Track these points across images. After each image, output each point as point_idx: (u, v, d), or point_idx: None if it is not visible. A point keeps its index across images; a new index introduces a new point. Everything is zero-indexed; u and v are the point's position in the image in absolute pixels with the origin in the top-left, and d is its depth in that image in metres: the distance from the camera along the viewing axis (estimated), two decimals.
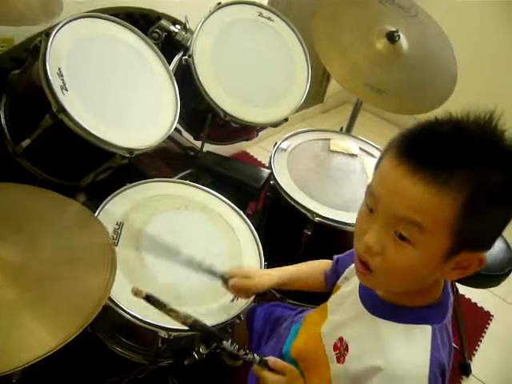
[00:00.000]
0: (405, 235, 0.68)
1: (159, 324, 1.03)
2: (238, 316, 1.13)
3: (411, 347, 0.74)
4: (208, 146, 1.80)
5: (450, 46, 1.74)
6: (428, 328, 0.75)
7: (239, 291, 1.10)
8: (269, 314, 1.27)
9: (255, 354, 0.90)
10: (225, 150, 2.17)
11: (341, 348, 0.84)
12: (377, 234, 0.70)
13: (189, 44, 1.49)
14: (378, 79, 1.65)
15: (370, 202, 0.72)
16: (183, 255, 1.13)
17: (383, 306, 0.81)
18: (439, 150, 0.64)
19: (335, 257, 1.10)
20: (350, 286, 0.93)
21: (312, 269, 1.14)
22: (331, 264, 1.10)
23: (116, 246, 1.16)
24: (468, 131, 0.66)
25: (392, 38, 1.65)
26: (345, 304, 0.91)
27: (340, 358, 0.84)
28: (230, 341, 0.87)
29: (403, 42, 1.68)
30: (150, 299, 0.81)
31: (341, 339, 0.85)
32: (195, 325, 0.85)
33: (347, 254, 1.06)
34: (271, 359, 0.90)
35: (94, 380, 1.40)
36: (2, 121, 1.27)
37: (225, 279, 1.09)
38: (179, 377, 1.40)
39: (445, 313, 0.78)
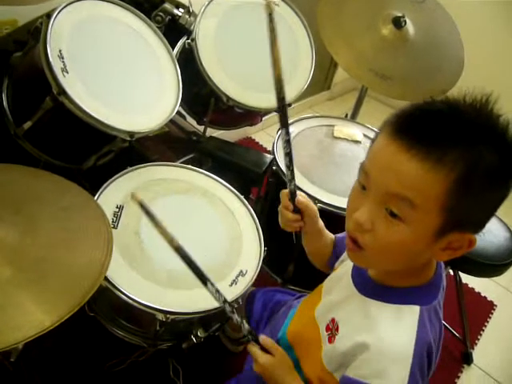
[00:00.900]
0: (396, 212, 0.68)
1: (157, 306, 1.04)
2: (236, 300, 1.13)
3: (398, 326, 0.75)
4: (213, 132, 1.80)
5: (457, 31, 1.72)
6: (416, 308, 0.76)
7: (300, 210, 1.01)
8: (268, 300, 1.28)
9: (244, 321, 0.87)
10: (230, 135, 2.17)
11: (332, 329, 0.85)
12: (368, 211, 0.71)
13: (192, 28, 1.48)
14: (383, 65, 1.63)
15: (363, 179, 0.73)
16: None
17: (373, 286, 0.82)
18: (434, 127, 0.65)
19: (335, 237, 1.09)
20: (344, 268, 0.94)
21: (328, 240, 1.10)
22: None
23: (116, 228, 1.16)
24: (463, 112, 0.66)
25: (398, 23, 1.63)
26: (338, 285, 0.92)
27: (331, 338, 0.85)
28: (215, 287, 0.83)
29: (409, 27, 1.66)
30: (142, 207, 0.79)
31: (333, 320, 0.86)
32: (180, 251, 0.80)
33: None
34: (262, 336, 0.89)
35: (95, 362, 1.42)
36: (4, 103, 1.27)
37: (293, 193, 0.99)
38: (180, 360, 1.41)
39: (435, 294, 0.79)
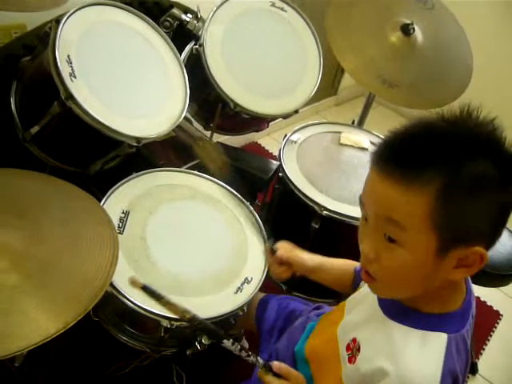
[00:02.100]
0: (392, 237, 0.69)
1: (161, 313, 1.03)
2: (241, 308, 1.12)
3: (424, 354, 0.73)
4: (219, 137, 1.80)
5: (466, 39, 1.71)
6: (444, 336, 0.73)
7: (284, 263, 1.11)
8: (282, 308, 1.26)
9: (259, 357, 0.87)
10: (236, 140, 2.17)
11: (353, 349, 0.84)
12: (370, 241, 0.73)
13: (200, 33, 1.48)
14: (391, 73, 1.63)
15: (362, 209, 0.76)
16: None
17: (400, 309, 0.79)
18: (407, 150, 0.67)
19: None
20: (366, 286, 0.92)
21: (341, 265, 1.12)
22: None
23: (121, 234, 1.16)
24: (437, 128, 0.67)
25: (407, 30, 1.63)
26: (362, 304, 0.90)
27: (351, 358, 0.83)
28: (231, 340, 0.85)
29: (418, 34, 1.65)
30: (146, 290, 0.79)
31: (354, 340, 0.84)
32: (193, 321, 0.82)
33: None
34: (275, 363, 0.88)
35: (99, 366, 1.42)
36: (12, 107, 1.28)
37: (273, 250, 1.10)
38: (183, 365, 1.40)
39: (464, 323, 0.76)
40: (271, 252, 1.10)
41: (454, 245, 0.67)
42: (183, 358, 1.19)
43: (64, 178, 1.08)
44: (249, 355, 0.86)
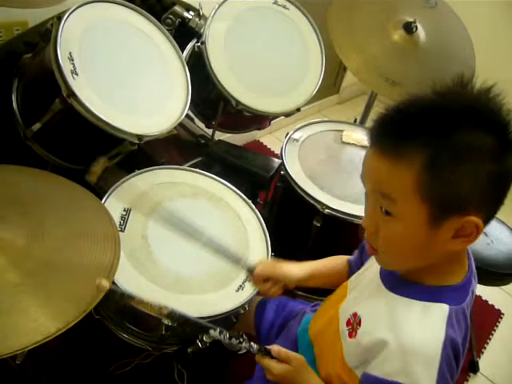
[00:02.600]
0: (387, 210, 0.71)
1: None
2: (242, 306, 1.12)
3: (425, 324, 0.73)
4: (221, 135, 1.79)
5: (468, 37, 1.71)
6: (445, 307, 0.74)
7: (267, 278, 1.04)
8: (282, 306, 1.26)
9: (252, 343, 0.85)
10: (237, 138, 2.17)
11: (354, 323, 0.84)
12: (370, 215, 0.75)
13: (202, 31, 1.48)
14: (393, 71, 1.62)
15: (364, 186, 0.77)
16: (208, 238, 1.07)
17: (401, 282, 0.80)
18: (393, 124, 0.69)
19: (361, 244, 1.07)
20: (370, 263, 0.94)
21: (333, 263, 1.11)
22: (355, 252, 1.08)
23: (123, 231, 1.16)
24: (425, 101, 0.68)
25: (409, 28, 1.63)
26: (364, 281, 0.91)
27: (352, 333, 0.84)
28: (217, 330, 0.82)
29: (420, 33, 1.65)
30: (115, 292, 0.77)
31: (354, 314, 0.85)
32: (173, 315, 0.80)
33: None
34: (274, 348, 0.87)
35: (100, 364, 1.42)
36: (14, 104, 1.28)
37: (250, 270, 1.04)
38: (184, 363, 1.40)
39: (464, 296, 0.77)
40: (250, 272, 1.04)
41: (445, 215, 0.68)
42: (184, 356, 1.19)
43: (65, 175, 1.08)
44: (240, 342, 0.84)
